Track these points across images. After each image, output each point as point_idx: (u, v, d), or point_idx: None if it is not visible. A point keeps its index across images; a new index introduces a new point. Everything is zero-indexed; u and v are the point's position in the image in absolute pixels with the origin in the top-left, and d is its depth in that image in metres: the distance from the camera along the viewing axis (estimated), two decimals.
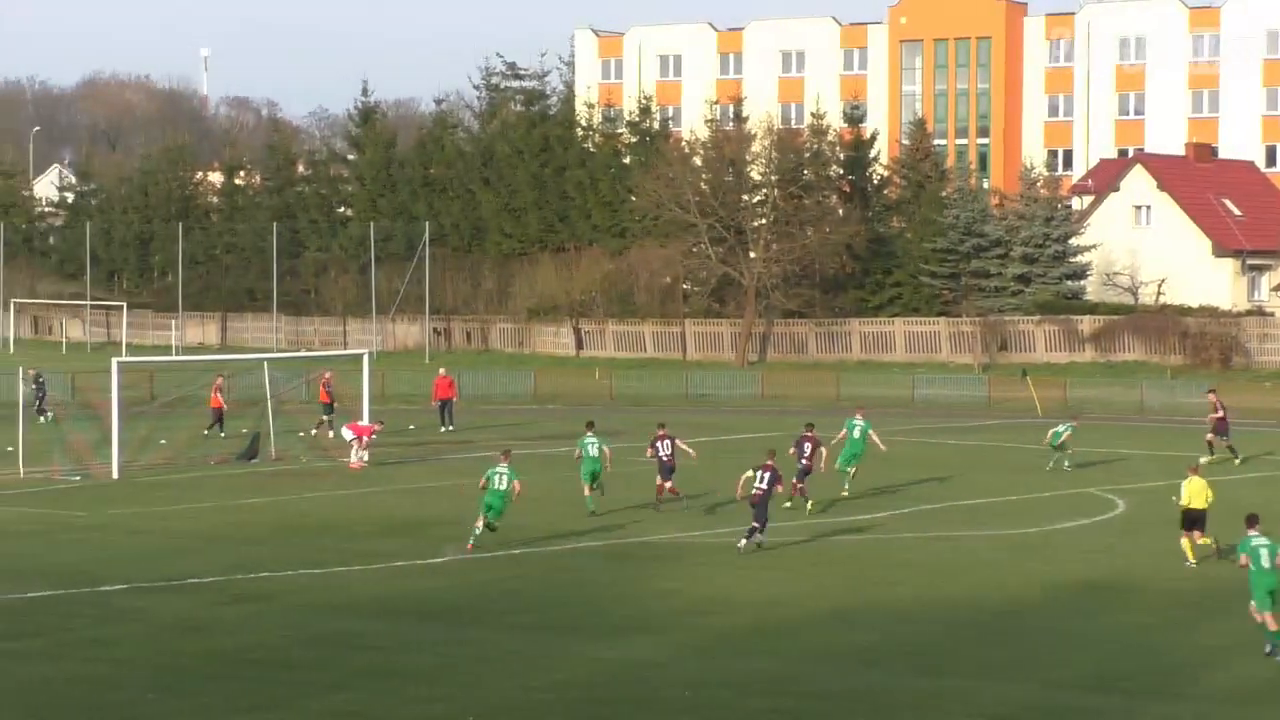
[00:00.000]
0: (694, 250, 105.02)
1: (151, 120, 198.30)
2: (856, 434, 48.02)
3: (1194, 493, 38.19)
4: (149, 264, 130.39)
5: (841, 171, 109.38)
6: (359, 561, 37.96)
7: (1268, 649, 29.17)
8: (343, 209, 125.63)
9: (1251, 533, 30.22)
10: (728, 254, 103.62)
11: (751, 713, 26.14)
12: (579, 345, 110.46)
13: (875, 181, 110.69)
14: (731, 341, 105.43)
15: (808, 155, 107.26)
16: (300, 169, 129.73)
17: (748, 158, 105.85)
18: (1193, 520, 38.00)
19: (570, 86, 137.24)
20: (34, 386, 70.74)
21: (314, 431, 62.57)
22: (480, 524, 39.09)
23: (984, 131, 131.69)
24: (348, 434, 55.78)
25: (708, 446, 61.58)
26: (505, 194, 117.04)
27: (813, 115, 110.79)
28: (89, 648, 29.76)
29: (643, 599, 34.34)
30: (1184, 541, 38.02)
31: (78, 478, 51.68)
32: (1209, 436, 57.34)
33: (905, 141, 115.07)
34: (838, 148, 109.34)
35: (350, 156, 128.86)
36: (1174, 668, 29.10)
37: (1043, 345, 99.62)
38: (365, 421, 57.00)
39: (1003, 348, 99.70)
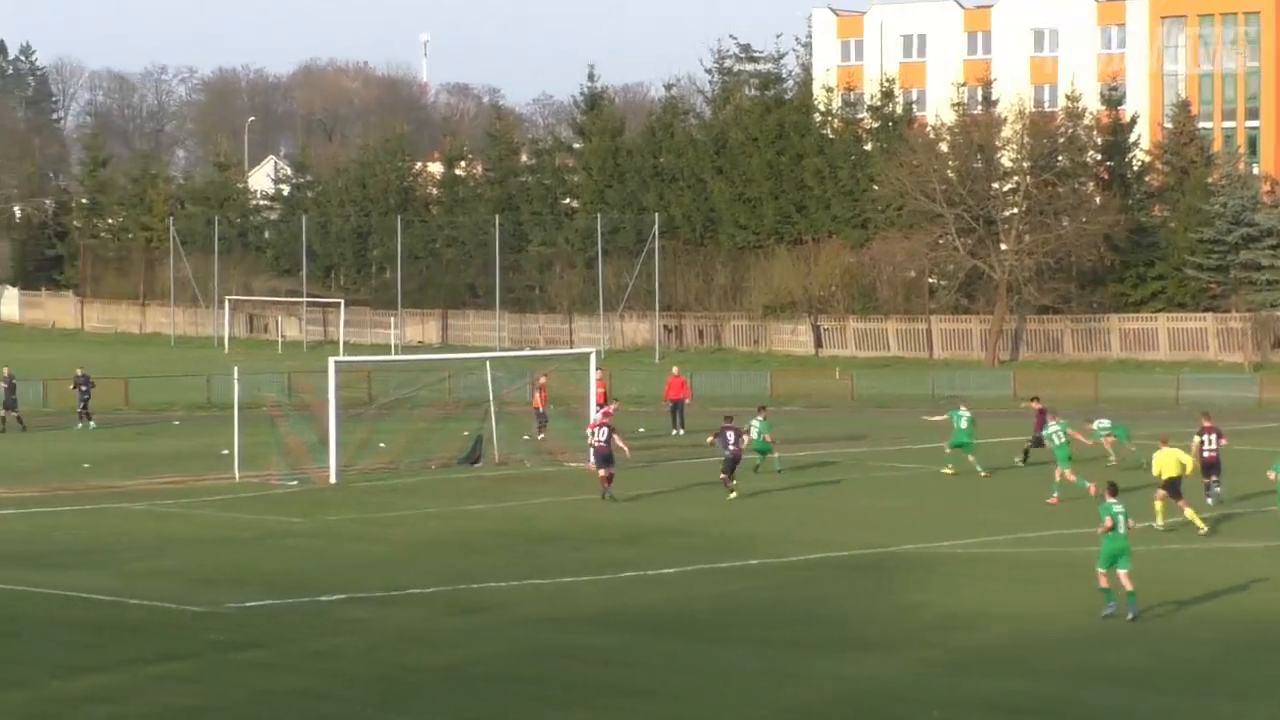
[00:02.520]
0: (940, 242, 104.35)
1: (369, 109, 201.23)
2: (963, 424, 53.63)
3: (1165, 463, 43.12)
4: (366, 259, 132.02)
5: (1099, 157, 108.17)
6: (585, 571, 38.09)
7: (1105, 611, 32.54)
8: (568, 200, 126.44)
9: (1110, 500, 33.87)
10: (977, 246, 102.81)
11: None
12: (818, 343, 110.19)
13: (1135, 168, 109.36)
14: (981, 339, 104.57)
15: (1062, 140, 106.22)
16: (523, 158, 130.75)
17: (997, 143, 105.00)
18: (1173, 487, 43.09)
19: (807, 69, 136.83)
20: (4, 386, 69.47)
21: (540, 436, 62.56)
22: None
23: (1253, 114, 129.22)
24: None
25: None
26: (739, 183, 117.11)
27: (1067, 97, 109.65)
28: (308, 659, 30.14)
29: (886, 612, 34.07)
30: (1156, 504, 42.85)
31: (295, 482, 52.32)
32: (1027, 445, 55.48)
33: (1168, 125, 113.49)
34: (1094, 132, 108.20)
35: (575, 145, 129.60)
36: None
37: None
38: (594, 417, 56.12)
39: (1276, 345, 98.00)
